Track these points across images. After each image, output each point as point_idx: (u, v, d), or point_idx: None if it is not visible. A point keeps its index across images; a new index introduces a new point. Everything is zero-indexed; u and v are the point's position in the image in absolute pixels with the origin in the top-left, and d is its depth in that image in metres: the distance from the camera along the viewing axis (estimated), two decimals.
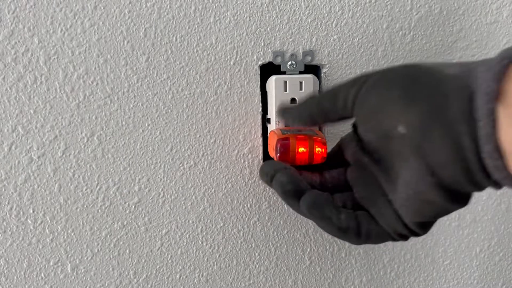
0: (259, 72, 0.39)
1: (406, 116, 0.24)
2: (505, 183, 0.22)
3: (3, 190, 0.38)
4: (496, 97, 0.21)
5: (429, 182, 0.24)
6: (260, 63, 0.38)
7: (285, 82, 0.37)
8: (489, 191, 0.45)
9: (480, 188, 0.24)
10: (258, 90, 0.39)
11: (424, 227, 0.27)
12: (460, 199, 0.25)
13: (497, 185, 0.23)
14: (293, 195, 0.30)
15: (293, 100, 0.37)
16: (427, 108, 0.23)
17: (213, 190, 0.41)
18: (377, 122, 0.25)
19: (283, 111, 0.33)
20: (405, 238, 0.28)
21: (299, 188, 0.30)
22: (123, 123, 0.38)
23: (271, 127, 0.38)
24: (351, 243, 0.29)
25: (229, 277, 0.44)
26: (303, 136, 0.32)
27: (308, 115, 0.30)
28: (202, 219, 0.42)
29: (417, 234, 0.28)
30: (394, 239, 0.28)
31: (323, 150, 0.32)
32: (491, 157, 0.21)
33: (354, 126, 0.31)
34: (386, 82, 0.25)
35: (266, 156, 0.41)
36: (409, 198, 0.25)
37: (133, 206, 0.40)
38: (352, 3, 0.38)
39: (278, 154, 0.32)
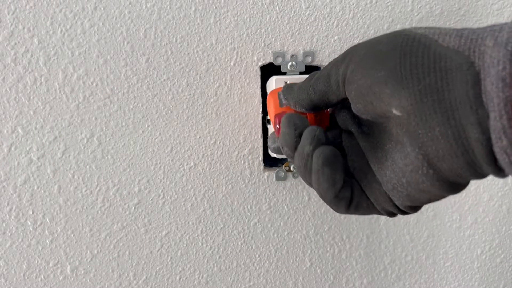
0: (259, 73, 0.38)
1: (397, 99, 0.21)
2: None
3: (3, 191, 0.38)
4: None
5: (425, 174, 0.21)
6: (260, 63, 0.38)
7: (286, 83, 0.37)
8: (491, 193, 0.45)
9: (484, 177, 0.21)
10: (258, 91, 0.39)
11: (415, 208, 0.25)
12: (458, 188, 0.22)
13: (503, 174, 0.20)
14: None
15: None
16: (421, 89, 0.20)
17: (213, 191, 0.41)
18: (368, 103, 0.23)
19: (286, 92, 0.30)
20: (393, 215, 0.26)
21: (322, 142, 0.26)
22: (123, 124, 0.38)
23: (272, 128, 0.38)
24: (336, 211, 0.27)
25: (229, 279, 0.44)
26: None
27: (307, 99, 0.27)
28: (202, 221, 0.41)
29: (406, 213, 0.26)
30: (381, 214, 0.26)
31: (325, 118, 0.30)
32: (507, 152, 0.18)
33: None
34: (372, 59, 0.22)
35: (266, 157, 0.41)
36: (402, 184, 0.23)
37: (133, 208, 0.40)
38: (353, 4, 0.38)
39: (278, 128, 0.30)
